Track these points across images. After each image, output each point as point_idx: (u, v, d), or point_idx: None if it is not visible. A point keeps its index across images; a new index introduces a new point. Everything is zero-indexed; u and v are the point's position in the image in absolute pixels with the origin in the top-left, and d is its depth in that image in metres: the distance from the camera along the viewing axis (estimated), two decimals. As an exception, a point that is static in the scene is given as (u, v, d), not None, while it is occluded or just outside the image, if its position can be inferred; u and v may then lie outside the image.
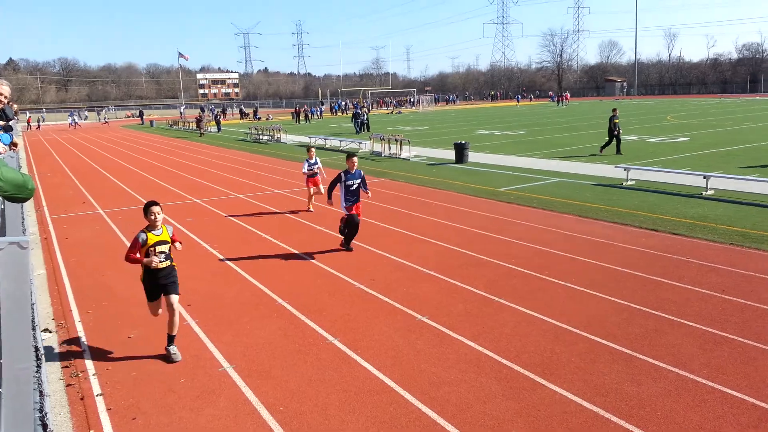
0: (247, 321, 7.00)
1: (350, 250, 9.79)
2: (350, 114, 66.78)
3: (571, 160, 20.75)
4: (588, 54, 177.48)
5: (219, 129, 47.48)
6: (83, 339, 6.64)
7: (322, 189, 12.81)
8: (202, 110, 69.16)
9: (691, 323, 6.46)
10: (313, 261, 9.41)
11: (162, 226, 6.09)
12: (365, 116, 40.01)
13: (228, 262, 9.48)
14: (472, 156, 22.15)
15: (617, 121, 21.14)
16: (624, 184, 15.18)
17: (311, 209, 13.33)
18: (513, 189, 15.40)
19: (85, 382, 5.61)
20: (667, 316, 6.70)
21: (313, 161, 13.12)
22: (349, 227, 9.60)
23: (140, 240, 5.98)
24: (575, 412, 4.80)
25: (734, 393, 4.99)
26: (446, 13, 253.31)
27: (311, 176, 13.15)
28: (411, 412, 4.89)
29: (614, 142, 21.33)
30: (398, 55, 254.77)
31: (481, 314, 6.95)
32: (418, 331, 6.52)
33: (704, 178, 13.71)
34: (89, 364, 5.99)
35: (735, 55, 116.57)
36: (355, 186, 9.50)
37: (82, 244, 11.16)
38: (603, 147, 21.50)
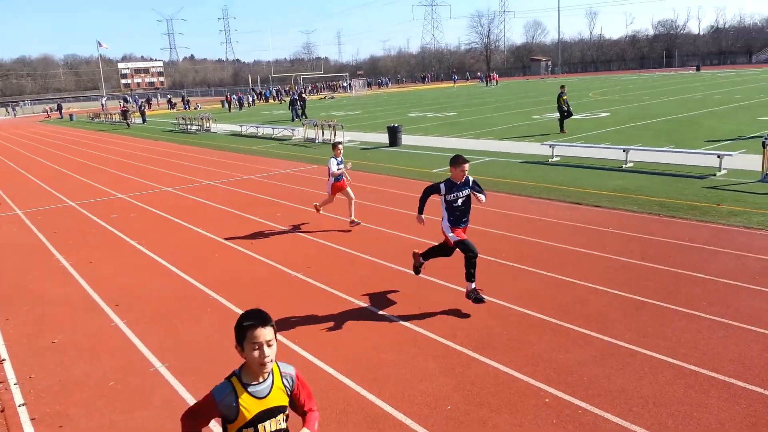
0: (179, 318, 6.81)
1: (481, 300, 6.45)
2: (283, 101, 65.78)
3: (500, 139, 21.24)
4: (514, 34, 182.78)
5: (144, 120, 45.63)
6: (3, 347, 6.28)
7: (351, 192, 10.36)
8: (126, 101, 66.11)
9: (614, 291, 6.78)
10: (246, 251, 9.25)
11: (273, 370, 2.69)
12: (300, 103, 39.21)
13: (157, 258, 9.18)
14: (406, 138, 22.29)
15: (566, 98, 21.58)
16: (550, 160, 15.69)
17: (356, 220, 10.35)
18: (446, 170, 15.61)
19: (6, 392, 5.31)
20: (591, 285, 7.01)
21: (340, 159, 10.27)
22: (467, 257, 6.42)
23: (220, 403, 2.61)
24: (508, 382, 4.96)
25: (654, 354, 5.29)
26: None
27: (339, 179, 10.25)
28: (350, 396, 4.92)
29: (564, 117, 21.57)
30: (329, 39, 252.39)
31: (418, 296, 7.05)
32: (357, 316, 6.54)
33: (624, 151, 14.36)
34: (10, 373, 5.68)
35: (651, 32, 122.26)
36: (461, 201, 6.55)
37: (-2, 248, 10.52)
38: (561, 125, 21.60)
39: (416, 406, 4.71)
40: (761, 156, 12.00)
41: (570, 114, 21.82)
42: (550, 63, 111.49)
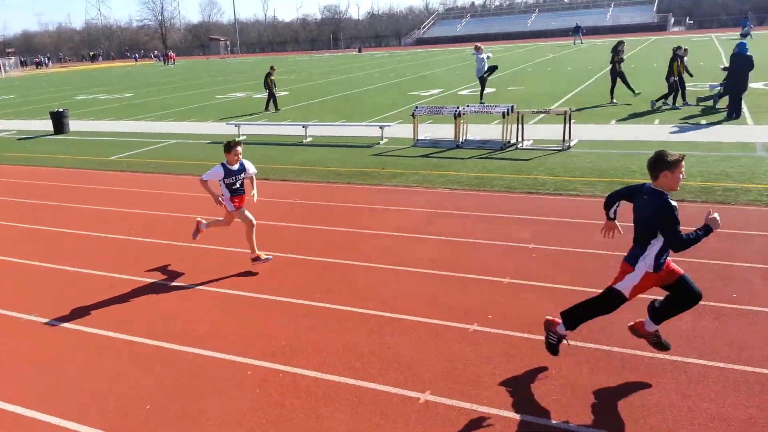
0: None
1: (667, 346, 4.46)
2: None
3: (184, 120, 20.47)
4: (190, 13, 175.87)
5: None
6: None
7: (249, 215, 6.95)
8: None
9: (305, 257, 7.23)
10: None
11: None
12: None
13: None
14: (74, 125, 19.82)
15: (273, 78, 21.30)
16: (236, 139, 15.73)
17: (262, 256, 6.94)
18: (126, 156, 14.43)
19: None
20: (285, 255, 7.33)
21: (237, 167, 6.86)
22: (683, 299, 4.18)
23: None
24: (209, 365, 4.91)
25: (341, 307, 5.84)
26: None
27: (237, 194, 6.91)
28: (23, 423, 4.26)
29: (273, 98, 21.34)
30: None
31: (110, 295, 6.43)
32: (36, 332, 5.66)
33: (303, 127, 15.29)
34: None
35: (319, 16, 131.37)
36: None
37: None
38: (274, 105, 21.24)
39: (114, 416, 4.33)
40: (412, 125, 14.08)
41: (273, 95, 21.75)
42: (228, 43, 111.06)
